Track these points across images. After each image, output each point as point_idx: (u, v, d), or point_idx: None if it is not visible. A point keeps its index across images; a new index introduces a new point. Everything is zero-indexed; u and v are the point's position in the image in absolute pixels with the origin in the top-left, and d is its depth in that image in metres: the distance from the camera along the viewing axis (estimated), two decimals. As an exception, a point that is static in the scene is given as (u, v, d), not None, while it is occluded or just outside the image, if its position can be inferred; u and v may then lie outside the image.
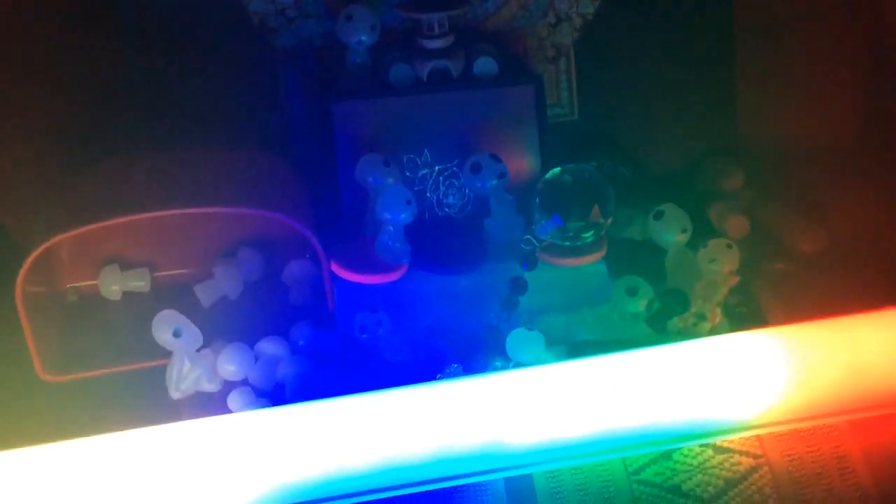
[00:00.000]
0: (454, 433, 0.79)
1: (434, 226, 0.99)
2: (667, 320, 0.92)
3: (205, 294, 1.00)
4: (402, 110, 0.98)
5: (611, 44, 1.07)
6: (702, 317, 0.92)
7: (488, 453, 0.79)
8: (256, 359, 0.92)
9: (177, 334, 0.87)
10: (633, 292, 0.90)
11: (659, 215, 0.94)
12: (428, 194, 0.99)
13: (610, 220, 0.90)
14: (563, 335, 0.93)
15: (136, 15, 1.03)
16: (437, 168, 0.99)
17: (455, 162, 0.99)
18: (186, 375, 0.89)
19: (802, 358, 0.83)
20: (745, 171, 1.08)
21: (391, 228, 0.91)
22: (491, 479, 0.81)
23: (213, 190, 0.94)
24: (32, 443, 0.79)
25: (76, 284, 1.02)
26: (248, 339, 0.93)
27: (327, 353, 0.94)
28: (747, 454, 0.83)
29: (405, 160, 0.98)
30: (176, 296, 1.00)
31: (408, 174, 0.98)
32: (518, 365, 0.87)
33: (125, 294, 1.02)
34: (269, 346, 0.93)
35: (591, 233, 0.90)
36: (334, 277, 0.93)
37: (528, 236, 0.90)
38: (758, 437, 0.84)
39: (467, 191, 0.99)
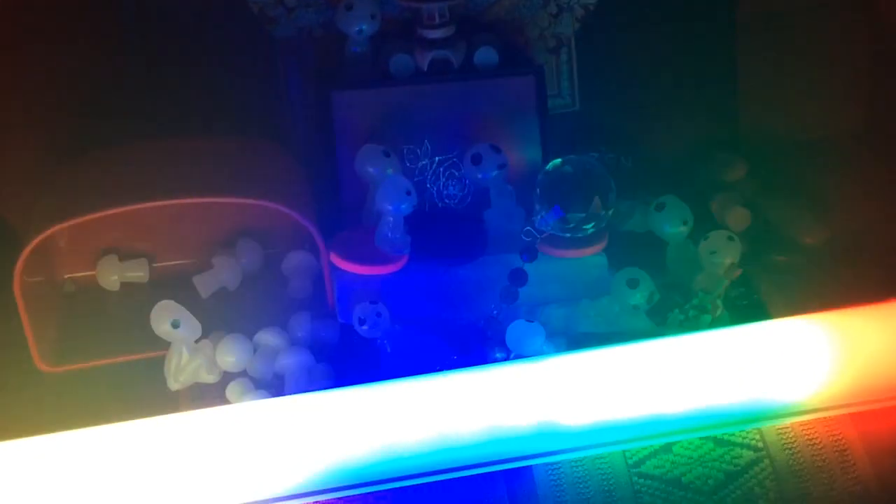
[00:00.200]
0: (455, 422, 0.79)
1: (434, 217, 0.99)
2: (667, 313, 0.91)
3: (203, 285, 1.00)
4: (403, 100, 0.98)
5: (612, 34, 1.06)
6: (703, 309, 0.91)
7: (489, 441, 0.79)
8: (255, 350, 0.92)
9: (175, 325, 0.87)
10: (633, 284, 0.90)
11: (660, 207, 0.94)
12: (428, 185, 0.99)
13: (611, 212, 0.89)
14: (563, 327, 0.92)
15: (135, 5, 1.02)
16: (437, 159, 0.98)
17: (455, 152, 0.98)
18: (185, 366, 0.89)
19: (808, 350, 0.83)
20: (747, 163, 1.08)
21: (391, 219, 0.91)
22: (492, 470, 0.81)
23: (213, 180, 0.93)
24: (31, 433, 0.79)
25: (74, 275, 1.02)
26: (247, 330, 0.93)
27: (326, 345, 0.94)
28: (748, 447, 0.83)
29: (405, 150, 0.98)
30: (174, 286, 0.99)
31: (408, 165, 0.98)
32: (518, 356, 0.87)
33: (123, 284, 1.02)
34: (268, 337, 0.93)
35: (592, 224, 0.89)
36: (334, 268, 0.93)
37: (529, 228, 0.90)
38: (759, 430, 0.84)
39: (467, 182, 0.98)
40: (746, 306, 0.95)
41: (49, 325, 0.96)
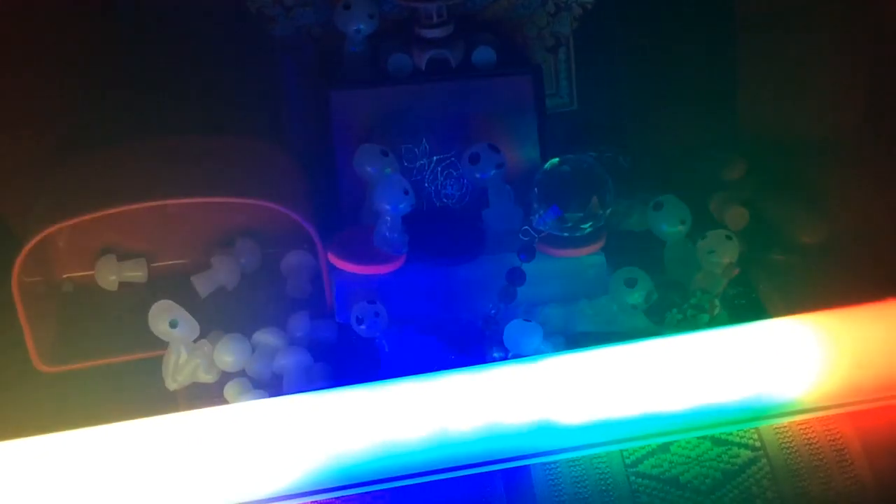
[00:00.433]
0: (453, 422, 0.79)
1: (432, 216, 0.99)
2: (665, 312, 0.91)
3: (202, 284, 1.00)
4: (401, 100, 0.98)
5: (610, 33, 1.06)
6: (701, 308, 0.91)
7: (487, 440, 0.80)
8: (253, 349, 0.92)
9: (174, 325, 0.87)
10: (631, 284, 0.90)
11: (658, 206, 0.94)
12: (426, 184, 0.99)
13: (609, 211, 0.90)
14: (561, 326, 0.92)
15: (133, 5, 1.02)
16: (435, 158, 0.98)
17: (453, 152, 0.98)
18: (183, 366, 0.89)
19: (806, 349, 0.83)
20: (745, 162, 1.08)
21: (389, 219, 0.91)
22: (490, 469, 0.81)
23: (211, 180, 0.93)
24: (29, 433, 0.79)
25: (72, 275, 1.02)
26: (246, 329, 0.93)
27: (324, 344, 0.94)
28: (746, 446, 0.83)
29: (403, 150, 0.98)
30: (173, 286, 0.99)
31: (406, 164, 0.98)
32: (516, 356, 0.87)
33: (122, 284, 1.02)
34: (267, 337, 0.93)
35: (590, 224, 0.89)
36: (332, 268, 0.93)
37: (527, 227, 0.90)
38: (756, 429, 0.84)
39: (465, 181, 0.98)
40: (744, 305, 0.95)
41: (47, 324, 0.96)
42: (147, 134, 1.00)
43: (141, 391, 0.90)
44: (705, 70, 1.09)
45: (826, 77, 1.09)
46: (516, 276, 0.89)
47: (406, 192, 0.90)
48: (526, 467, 0.81)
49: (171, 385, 0.90)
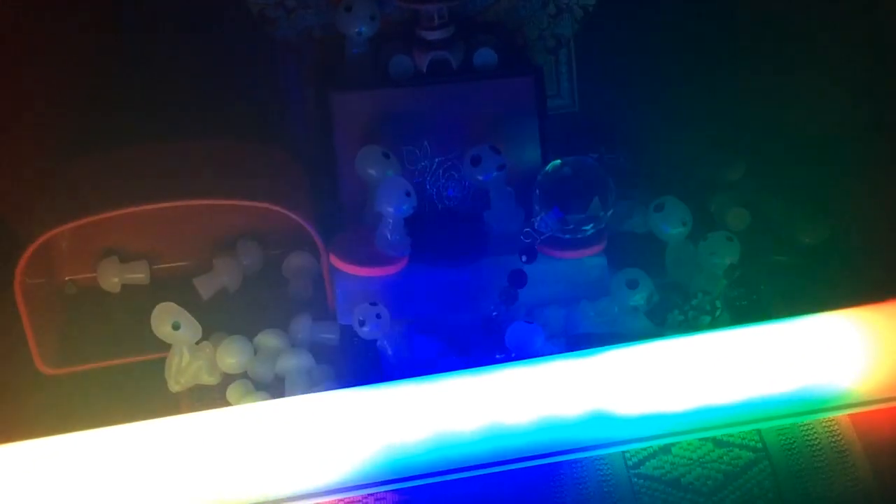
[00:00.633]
0: (455, 423, 0.79)
1: (434, 218, 0.99)
2: (667, 313, 0.92)
3: (204, 286, 1.00)
4: (402, 102, 0.98)
5: (612, 35, 1.06)
6: (702, 309, 0.91)
7: (488, 442, 0.80)
8: (256, 351, 0.92)
9: (176, 327, 0.87)
10: (633, 285, 0.90)
11: (659, 207, 0.94)
12: (428, 186, 0.99)
13: (610, 213, 0.90)
14: (563, 328, 0.93)
15: (135, 7, 1.02)
16: (436, 160, 0.98)
17: (455, 154, 0.98)
18: (186, 368, 0.89)
19: (808, 351, 0.83)
20: (746, 163, 1.08)
21: (391, 221, 0.91)
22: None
23: (213, 181, 0.93)
24: (32, 436, 0.79)
25: (75, 277, 1.02)
26: (248, 331, 0.93)
27: (327, 346, 0.94)
28: (747, 448, 0.83)
29: (405, 152, 0.98)
30: (175, 288, 0.99)
31: (407, 166, 0.98)
32: (517, 358, 0.87)
33: (124, 286, 1.02)
34: (269, 339, 0.93)
35: (591, 225, 0.89)
36: (334, 270, 0.93)
37: (528, 229, 0.90)
38: (758, 430, 0.84)
39: (467, 183, 0.98)
40: (746, 307, 0.95)
41: (50, 327, 0.96)
42: (149, 136, 1.00)
43: (143, 393, 0.90)
44: (706, 71, 1.09)
45: (827, 78, 1.09)
46: (518, 278, 0.90)
47: (408, 194, 0.90)
48: (527, 469, 0.82)
49: (174, 387, 0.90)
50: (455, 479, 0.81)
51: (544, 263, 0.91)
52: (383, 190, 0.90)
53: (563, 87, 1.08)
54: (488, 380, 0.81)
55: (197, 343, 0.89)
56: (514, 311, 0.91)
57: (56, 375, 0.93)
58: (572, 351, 0.83)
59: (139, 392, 0.91)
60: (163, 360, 0.90)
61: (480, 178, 0.93)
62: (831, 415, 0.84)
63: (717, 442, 0.83)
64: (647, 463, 0.82)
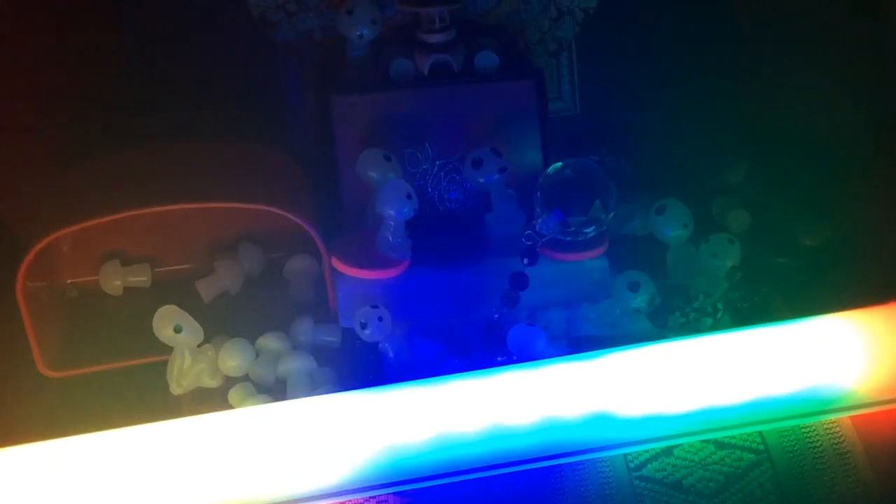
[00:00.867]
0: (457, 426, 0.79)
1: (435, 220, 0.99)
2: (668, 315, 0.92)
3: (206, 289, 1.00)
4: (404, 104, 0.98)
5: (613, 38, 1.06)
6: (704, 312, 0.91)
7: (491, 445, 0.80)
8: (257, 354, 0.92)
9: (178, 330, 0.87)
10: (634, 287, 0.90)
11: (660, 210, 0.94)
12: (429, 189, 0.99)
13: (611, 215, 0.90)
14: (564, 330, 0.93)
15: (136, 9, 1.03)
16: (438, 162, 0.99)
17: (456, 156, 0.98)
18: (187, 371, 0.89)
19: (810, 352, 0.83)
20: (747, 165, 1.08)
21: (392, 223, 0.91)
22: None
23: (214, 185, 0.93)
24: (33, 439, 0.79)
25: (77, 280, 1.02)
26: (249, 334, 0.93)
27: (328, 349, 0.94)
28: (749, 450, 0.83)
29: (406, 155, 0.98)
30: (177, 291, 0.99)
31: (409, 169, 0.98)
32: (519, 360, 0.87)
33: (126, 289, 1.02)
34: (270, 342, 0.93)
35: (593, 228, 0.89)
36: (335, 272, 0.93)
37: (530, 231, 0.90)
38: (760, 432, 0.84)
39: (468, 185, 0.98)
40: (747, 309, 0.95)
41: (52, 329, 0.96)
42: (150, 140, 1.00)
43: (145, 396, 0.90)
44: (707, 74, 1.09)
45: (827, 80, 1.10)
46: (519, 280, 0.90)
47: (409, 197, 0.90)
48: (529, 471, 0.82)
49: (176, 390, 0.90)
50: (457, 482, 0.81)
51: (546, 266, 0.91)
52: (384, 192, 0.90)
53: (564, 89, 1.08)
54: (490, 382, 0.81)
55: (199, 346, 0.89)
56: (515, 314, 0.91)
57: (58, 378, 0.93)
58: (574, 353, 0.84)
59: (141, 395, 0.91)
60: (165, 363, 0.90)
61: (482, 180, 0.93)
62: (833, 416, 0.84)
63: (719, 444, 0.83)
64: (649, 465, 0.82)
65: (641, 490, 0.81)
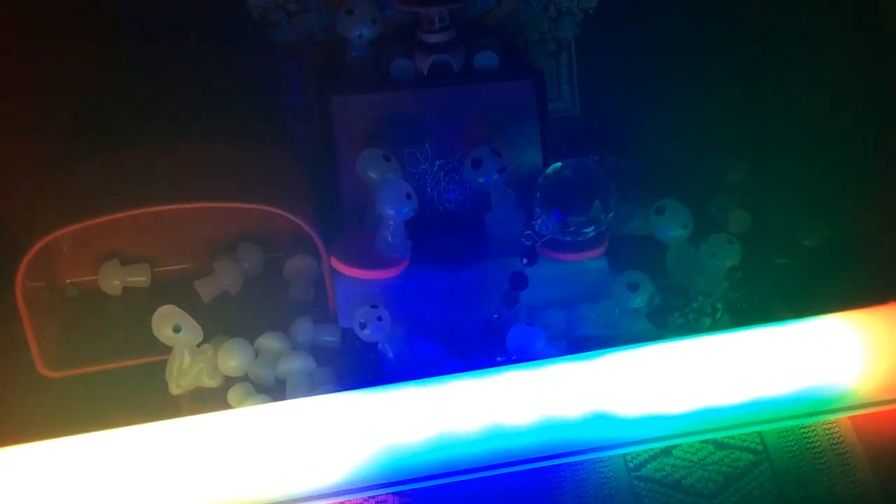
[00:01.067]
0: (456, 426, 0.79)
1: (435, 221, 0.99)
2: (668, 316, 0.92)
3: (205, 289, 1.00)
4: (403, 104, 0.98)
5: (612, 38, 1.06)
6: (703, 312, 0.91)
7: (490, 445, 0.80)
8: (256, 354, 0.92)
9: (177, 330, 0.87)
10: (634, 287, 0.90)
11: (660, 210, 0.94)
12: (428, 189, 0.99)
13: (611, 215, 0.90)
14: (564, 330, 0.93)
15: (136, 9, 1.03)
16: (437, 163, 0.99)
17: (456, 156, 0.98)
18: (187, 371, 0.89)
19: (809, 352, 0.83)
20: (747, 165, 1.08)
21: (392, 223, 0.91)
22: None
23: (214, 184, 0.93)
24: (33, 438, 0.79)
25: (76, 279, 1.02)
26: (249, 334, 0.93)
27: (328, 349, 0.94)
28: (748, 450, 0.83)
29: (406, 155, 0.98)
30: (176, 291, 0.99)
31: (408, 169, 0.98)
32: (518, 360, 0.87)
33: (125, 289, 1.02)
34: (270, 342, 0.93)
35: (592, 228, 0.89)
36: (335, 272, 0.93)
37: (529, 231, 0.90)
38: (759, 433, 0.84)
39: (468, 185, 0.98)
40: (747, 309, 0.95)
41: (51, 329, 0.96)
42: (150, 139, 1.00)
43: (144, 396, 0.90)
44: (707, 74, 1.09)
45: (826, 79, 1.10)
46: (519, 281, 0.90)
47: (408, 197, 0.90)
48: (528, 472, 0.82)
49: (175, 390, 0.90)
50: (456, 482, 0.81)
51: (545, 266, 0.91)
52: (384, 192, 0.90)
53: (563, 89, 1.08)
54: (489, 382, 0.81)
55: (198, 346, 0.89)
56: (515, 314, 0.91)
57: (57, 378, 0.93)
58: (573, 353, 0.84)
59: (140, 395, 0.91)
60: (164, 363, 0.90)
61: (481, 180, 0.93)
62: (832, 417, 0.84)
63: (718, 444, 0.83)
64: (648, 465, 0.82)
65: (641, 490, 0.81)
